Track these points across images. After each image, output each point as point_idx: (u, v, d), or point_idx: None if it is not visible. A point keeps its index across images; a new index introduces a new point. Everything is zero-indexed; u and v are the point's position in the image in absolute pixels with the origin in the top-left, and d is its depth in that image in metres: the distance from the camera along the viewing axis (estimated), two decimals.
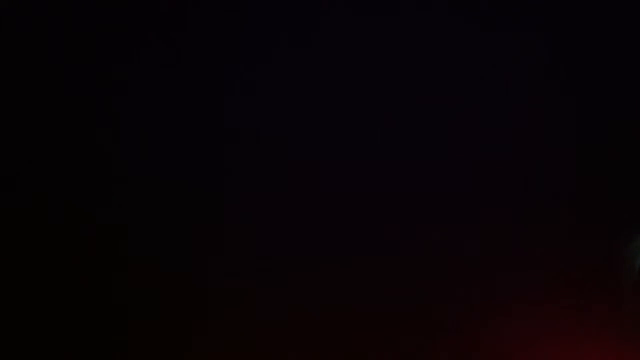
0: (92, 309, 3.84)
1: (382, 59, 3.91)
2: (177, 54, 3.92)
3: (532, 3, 3.90)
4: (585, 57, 3.90)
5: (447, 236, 3.82)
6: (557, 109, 3.88)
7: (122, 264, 3.86)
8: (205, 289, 3.84)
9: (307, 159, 3.89)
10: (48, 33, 3.90)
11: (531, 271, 3.78)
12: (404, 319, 3.79)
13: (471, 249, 3.81)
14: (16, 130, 3.90)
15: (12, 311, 3.83)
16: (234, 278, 3.85)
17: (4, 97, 3.89)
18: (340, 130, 3.90)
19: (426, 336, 3.78)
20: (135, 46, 3.90)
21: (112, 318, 3.84)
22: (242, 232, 3.88)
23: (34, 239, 3.87)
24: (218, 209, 3.90)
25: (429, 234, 3.83)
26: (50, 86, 3.90)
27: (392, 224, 3.86)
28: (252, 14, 3.92)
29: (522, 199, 3.85)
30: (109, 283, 3.86)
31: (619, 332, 3.67)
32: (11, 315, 3.82)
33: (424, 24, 3.91)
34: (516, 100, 3.88)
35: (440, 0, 3.91)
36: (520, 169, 3.86)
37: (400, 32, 3.91)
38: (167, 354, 3.82)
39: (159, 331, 3.83)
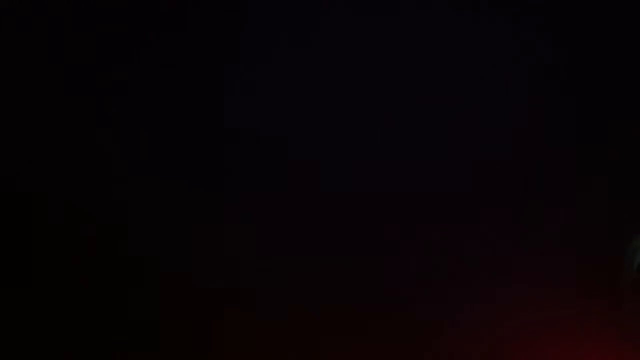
0: (92, 309, 3.84)
1: (382, 58, 3.91)
2: (177, 54, 3.92)
3: (532, 3, 3.90)
4: (585, 57, 3.90)
5: (447, 236, 3.83)
6: (557, 109, 3.88)
7: (122, 264, 3.86)
8: (205, 289, 3.84)
9: (307, 159, 3.89)
10: (48, 33, 3.90)
11: (531, 271, 3.78)
12: (404, 318, 3.79)
13: (471, 249, 3.81)
14: (16, 130, 3.90)
15: (12, 311, 3.83)
16: (234, 278, 3.85)
17: (4, 97, 3.89)
18: (340, 130, 3.90)
19: (426, 336, 3.78)
20: (135, 46, 3.90)
21: (112, 318, 3.84)
22: (242, 232, 3.88)
23: (34, 239, 3.87)
24: (218, 209, 3.90)
25: (429, 234, 3.83)
26: (50, 86, 3.90)
27: (392, 224, 3.86)
28: (252, 14, 3.92)
29: (522, 199, 3.85)
30: (109, 283, 3.86)
31: (619, 332, 3.67)
32: (11, 316, 3.82)
33: (423, 24, 3.91)
34: (516, 100, 3.88)
35: (440, 0, 3.91)
36: (520, 169, 3.86)
37: (400, 32, 3.91)
38: (167, 354, 3.82)
39: (159, 331, 3.83)
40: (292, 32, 3.92)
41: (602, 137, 3.86)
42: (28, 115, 3.90)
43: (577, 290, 3.73)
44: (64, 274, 3.85)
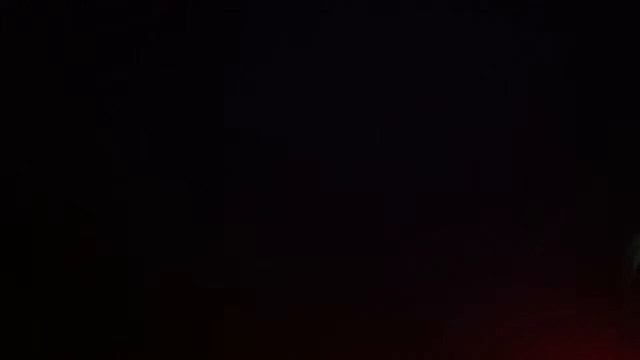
0: (92, 309, 3.84)
1: (382, 58, 3.91)
2: (177, 54, 3.92)
3: (532, 3, 3.90)
4: (585, 57, 3.90)
5: (447, 236, 3.83)
6: (557, 109, 3.88)
7: (122, 264, 3.86)
8: (205, 289, 3.84)
9: (307, 158, 3.89)
10: (48, 33, 3.90)
11: (531, 271, 3.78)
12: (404, 318, 3.79)
13: (471, 249, 3.81)
14: (16, 130, 3.90)
15: (12, 311, 3.83)
16: (234, 278, 3.85)
17: (4, 97, 3.89)
18: (340, 130, 3.90)
19: (426, 336, 3.78)
20: (135, 46, 3.90)
21: (112, 318, 3.84)
22: (242, 232, 3.88)
23: (34, 239, 3.87)
24: (218, 209, 3.90)
25: (429, 234, 3.83)
26: (50, 86, 3.90)
27: (392, 224, 3.86)
28: (252, 14, 3.92)
29: (522, 199, 3.85)
30: (109, 283, 3.86)
31: (619, 332, 3.67)
32: (11, 316, 3.82)
33: (423, 24, 3.91)
34: (516, 100, 3.88)
35: (441, 0, 3.91)
36: (520, 169, 3.86)
37: (400, 32, 3.91)
38: (167, 354, 3.82)
39: (159, 331, 3.83)
40: (292, 32, 3.92)
41: (602, 137, 3.86)
42: (28, 115, 3.90)
43: (577, 290, 3.73)
44: (63, 274, 3.85)
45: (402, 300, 3.81)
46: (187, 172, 3.91)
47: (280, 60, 3.92)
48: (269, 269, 3.84)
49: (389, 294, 3.82)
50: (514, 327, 3.71)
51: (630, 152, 3.85)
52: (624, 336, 3.66)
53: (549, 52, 3.90)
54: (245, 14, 3.92)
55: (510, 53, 3.90)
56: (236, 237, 3.87)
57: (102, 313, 3.83)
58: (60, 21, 3.90)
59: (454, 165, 3.86)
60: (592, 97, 3.88)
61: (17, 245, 3.86)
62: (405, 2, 3.91)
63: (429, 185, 3.85)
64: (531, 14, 3.89)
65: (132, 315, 3.84)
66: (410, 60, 3.90)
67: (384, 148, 3.89)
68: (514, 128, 3.86)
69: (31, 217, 3.88)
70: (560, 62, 3.90)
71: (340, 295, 3.81)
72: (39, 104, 3.90)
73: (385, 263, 3.84)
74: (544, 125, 3.87)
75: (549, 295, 3.73)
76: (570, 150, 3.87)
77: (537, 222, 3.83)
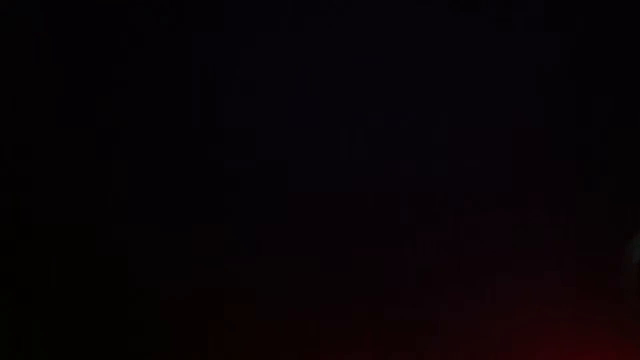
0: (92, 309, 3.84)
1: (382, 59, 3.91)
2: (177, 53, 3.92)
3: (535, 4, 3.90)
4: (585, 57, 3.90)
5: (447, 236, 3.83)
6: (557, 109, 3.88)
7: (122, 264, 3.86)
8: (205, 289, 3.84)
9: (307, 158, 3.89)
10: (48, 33, 3.90)
11: (531, 271, 3.78)
12: (404, 318, 3.79)
13: (471, 249, 3.81)
14: (16, 130, 3.90)
15: (12, 311, 3.83)
16: (234, 278, 3.85)
17: (4, 97, 3.90)
18: (341, 130, 3.90)
19: (425, 336, 3.78)
20: (135, 46, 3.91)
21: (111, 318, 3.84)
22: (242, 232, 3.88)
23: (34, 239, 3.87)
24: (218, 209, 3.90)
25: (429, 234, 3.83)
26: (50, 86, 3.90)
27: (392, 224, 3.86)
28: (253, 13, 3.93)
29: (522, 199, 3.85)
30: (109, 283, 3.86)
31: (619, 332, 3.67)
32: (11, 316, 3.82)
33: (424, 24, 3.91)
34: (516, 100, 3.88)
35: (441, 1, 3.91)
36: (520, 169, 3.86)
37: (401, 32, 3.91)
38: (167, 353, 3.82)
39: (159, 331, 3.83)
40: (292, 31, 3.92)
41: (602, 137, 3.86)
42: (28, 115, 3.90)
43: (577, 290, 3.73)
44: (63, 274, 3.85)
45: (402, 300, 3.81)
46: (187, 172, 3.91)
47: (280, 60, 3.92)
48: (269, 269, 3.84)
49: (389, 294, 3.82)
50: (514, 326, 3.71)
51: (630, 152, 3.85)
52: (624, 336, 3.66)
53: (549, 52, 3.90)
54: (245, 13, 3.93)
55: (511, 53, 3.90)
56: (236, 237, 3.87)
57: (102, 313, 3.83)
58: (60, 21, 3.90)
59: (454, 165, 3.86)
60: (592, 97, 3.88)
61: (17, 245, 3.86)
62: (406, 2, 3.91)
63: (429, 185, 3.85)
64: (531, 14, 3.90)
65: (132, 315, 3.84)
66: (411, 60, 3.90)
67: (385, 148, 3.89)
68: (514, 128, 3.86)
69: (31, 217, 3.88)
70: (560, 62, 3.90)
71: (340, 295, 3.81)
72: (39, 103, 3.90)
73: (385, 263, 3.84)
74: (544, 125, 3.87)
75: (549, 295, 3.73)
76: (570, 150, 3.87)
77: (537, 222, 3.83)
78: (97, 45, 3.90)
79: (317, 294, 3.81)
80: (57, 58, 3.91)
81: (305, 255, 3.84)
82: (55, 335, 3.81)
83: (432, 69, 3.90)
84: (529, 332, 3.70)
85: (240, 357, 3.80)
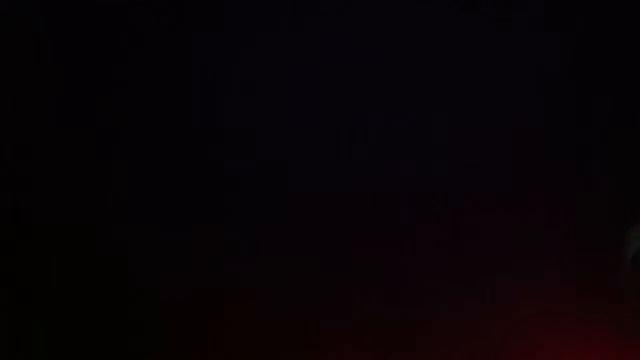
0: (92, 309, 3.84)
1: (382, 59, 3.91)
2: (177, 53, 3.92)
3: (535, 4, 3.90)
4: (585, 57, 3.90)
5: (446, 235, 3.83)
6: (557, 109, 3.88)
7: (122, 264, 3.86)
8: (205, 289, 3.84)
9: (307, 158, 3.89)
10: (48, 33, 3.90)
11: (531, 271, 3.78)
12: (404, 318, 3.79)
13: (471, 249, 3.81)
14: (16, 130, 3.90)
15: (12, 311, 3.83)
16: (234, 278, 3.85)
17: (4, 97, 3.90)
18: (341, 130, 3.90)
19: (425, 336, 3.78)
20: (135, 46, 3.91)
21: (111, 318, 3.84)
22: (242, 232, 3.88)
23: (34, 239, 3.87)
24: (218, 209, 3.90)
25: (429, 234, 3.83)
26: (50, 86, 3.90)
27: (392, 224, 3.86)
28: (252, 13, 3.93)
29: (522, 198, 3.85)
30: (109, 283, 3.86)
31: (619, 332, 3.67)
32: (11, 316, 3.82)
33: (424, 24, 3.91)
34: (517, 100, 3.88)
35: (441, 1, 3.91)
36: (520, 169, 3.86)
37: (401, 32, 3.91)
38: (167, 353, 3.82)
39: (159, 331, 3.83)
40: (292, 31, 3.93)
41: (602, 137, 3.86)
42: (28, 115, 3.90)
43: (577, 290, 3.73)
44: (63, 274, 3.85)
45: (402, 300, 3.81)
46: (187, 172, 3.91)
47: (280, 60, 3.92)
48: (269, 269, 3.84)
49: (389, 294, 3.82)
50: (514, 326, 3.71)
51: (630, 152, 3.85)
52: (624, 335, 3.66)
53: (549, 52, 3.90)
54: (246, 14, 3.94)
55: (510, 53, 3.90)
56: (236, 237, 3.87)
57: (102, 313, 3.83)
58: (60, 21, 3.90)
59: (454, 165, 3.86)
60: (592, 97, 3.89)
61: (17, 245, 3.86)
62: (406, 2, 3.91)
63: (429, 185, 3.85)
64: (531, 14, 3.90)
65: (132, 315, 3.84)
66: (411, 60, 3.91)
67: (385, 148, 3.90)
68: (514, 128, 3.86)
69: (31, 217, 3.88)
70: (560, 62, 3.90)
71: (340, 295, 3.81)
72: (39, 103, 3.90)
73: (385, 263, 3.84)
74: (545, 125, 3.88)
75: (549, 295, 3.73)
76: (570, 150, 3.87)
77: (537, 222, 3.83)
78: (97, 45, 3.90)
79: (317, 294, 3.81)
80: (57, 58, 3.91)
81: (305, 255, 3.84)
82: (55, 335, 3.81)
83: (432, 69, 3.90)
84: (529, 332, 3.70)
85: (240, 357, 3.80)
